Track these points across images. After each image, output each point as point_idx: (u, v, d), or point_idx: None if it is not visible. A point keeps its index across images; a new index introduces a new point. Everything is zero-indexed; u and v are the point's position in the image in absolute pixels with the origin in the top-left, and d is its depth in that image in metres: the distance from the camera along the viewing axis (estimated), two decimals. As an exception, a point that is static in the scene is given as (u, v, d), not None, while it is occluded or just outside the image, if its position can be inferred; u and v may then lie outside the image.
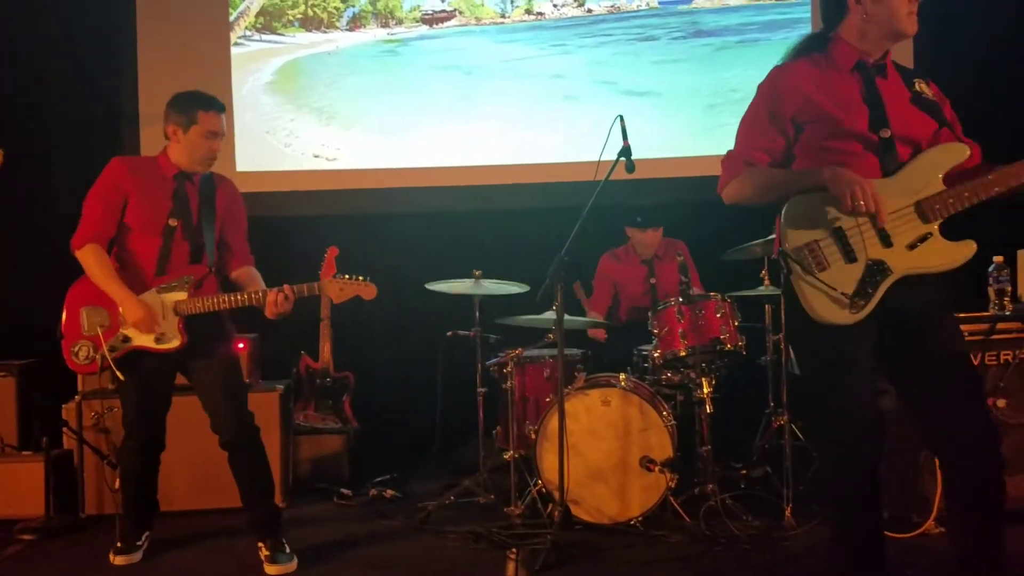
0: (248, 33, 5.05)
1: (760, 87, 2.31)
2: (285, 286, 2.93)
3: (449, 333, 3.97)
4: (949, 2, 4.65)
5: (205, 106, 3.00)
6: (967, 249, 2.14)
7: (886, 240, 2.14)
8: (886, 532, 2.76)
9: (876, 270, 2.13)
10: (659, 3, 5.04)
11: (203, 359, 3.04)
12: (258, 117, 5.00)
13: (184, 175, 3.05)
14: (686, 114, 4.97)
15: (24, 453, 3.91)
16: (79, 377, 3.94)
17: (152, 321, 2.96)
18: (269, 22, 5.07)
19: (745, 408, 4.10)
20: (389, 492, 3.97)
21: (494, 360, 3.93)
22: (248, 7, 5.06)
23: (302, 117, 5.02)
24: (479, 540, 3.30)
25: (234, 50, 5.02)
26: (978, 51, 4.62)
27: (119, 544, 3.18)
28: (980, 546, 2.14)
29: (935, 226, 2.14)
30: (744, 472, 3.87)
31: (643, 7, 5.05)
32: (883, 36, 2.22)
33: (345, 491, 4.00)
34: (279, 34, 5.07)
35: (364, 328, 4.74)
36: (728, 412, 3.72)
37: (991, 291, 3.34)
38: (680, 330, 3.60)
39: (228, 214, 3.14)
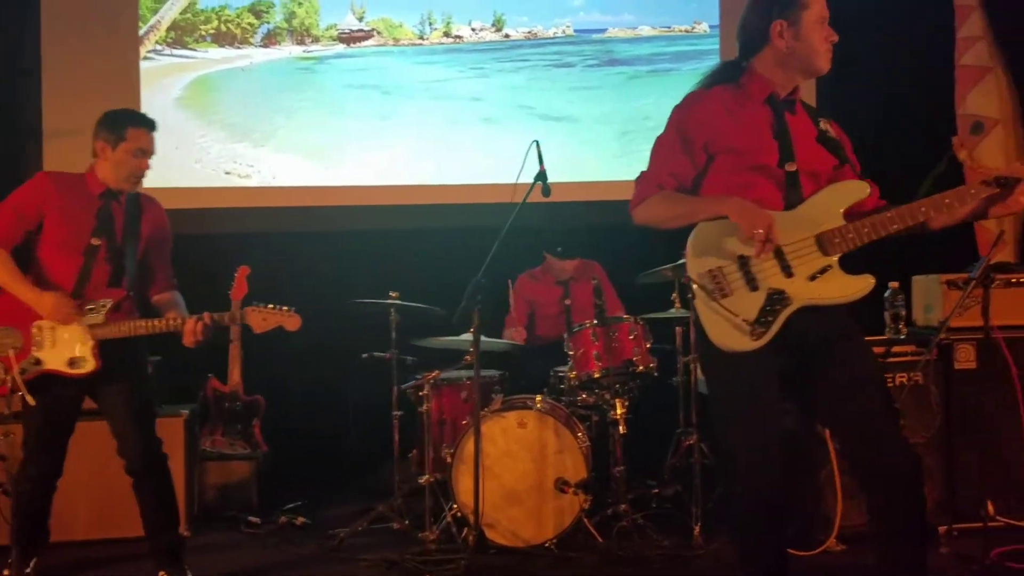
0: (159, 47, 4.92)
1: (673, 112, 2.34)
2: (205, 314, 2.87)
3: (364, 355, 3.92)
4: (849, 46, 4.90)
5: (135, 123, 2.95)
6: (865, 283, 2.21)
7: (787, 270, 2.20)
8: (789, 550, 2.85)
9: (776, 299, 2.19)
10: (575, 31, 5.14)
11: (114, 384, 2.94)
12: (167, 132, 4.83)
13: (111, 193, 2.96)
14: (600, 140, 5.07)
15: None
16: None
17: (70, 313, 2.84)
18: (180, 37, 4.95)
19: (657, 428, 4.18)
20: (300, 519, 3.87)
21: (410, 382, 3.90)
22: (159, 21, 4.93)
23: (213, 133, 4.90)
24: (392, 567, 3.25)
25: (143, 64, 4.87)
26: (876, 95, 4.87)
27: (6, 573, 3.03)
28: (908, 569, 2.19)
29: (834, 259, 2.21)
30: (656, 491, 3.93)
31: (559, 34, 5.14)
32: (799, 71, 2.29)
33: (254, 519, 3.89)
34: (191, 49, 4.95)
35: (276, 350, 4.61)
36: (641, 432, 3.78)
37: (887, 316, 3.50)
38: (595, 352, 3.65)
39: (153, 236, 3.06)
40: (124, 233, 2.97)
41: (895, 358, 3.39)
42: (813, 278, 2.20)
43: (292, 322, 2.92)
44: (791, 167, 2.23)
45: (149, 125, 2.98)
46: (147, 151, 2.96)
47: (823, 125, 2.32)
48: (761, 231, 2.12)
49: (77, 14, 4.78)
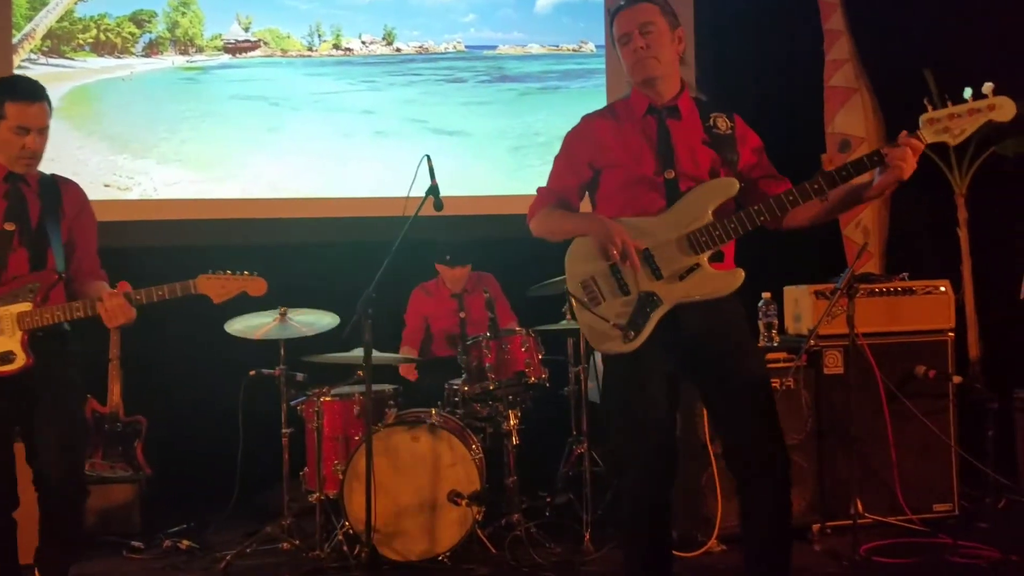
0: (33, 56, 4.69)
1: (569, 131, 2.51)
2: (122, 283, 2.59)
3: (252, 372, 3.83)
4: (725, 61, 5.15)
5: (12, 96, 2.56)
6: (734, 277, 2.31)
7: (656, 273, 2.30)
8: (675, 552, 2.95)
9: (647, 301, 2.29)
10: (466, 47, 5.19)
11: (45, 389, 2.60)
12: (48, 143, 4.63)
13: (15, 176, 2.64)
14: (493, 155, 5.13)
15: None
16: None
17: None
18: (57, 45, 4.73)
19: (550, 437, 4.24)
20: (185, 543, 3.74)
21: (300, 399, 3.83)
22: (34, 29, 4.70)
23: (92, 144, 4.71)
24: (282, 588, 3.19)
25: (17, 73, 4.64)
26: (748, 111, 5.10)
27: None
28: (771, 566, 2.29)
29: (704, 257, 2.29)
30: (549, 500, 3.99)
31: (451, 50, 5.18)
32: (636, 83, 2.41)
33: (136, 543, 3.74)
34: (68, 58, 4.75)
35: (157, 368, 4.47)
36: (534, 442, 3.83)
37: (760, 324, 3.67)
38: (487, 364, 3.69)
39: (76, 220, 2.74)
40: (41, 216, 2.64)
41: (769, 364, 3.55)
42: (682, 277, 2.29)
43: (256, 286, 2.66)
44: (670, 174, 2.33)
45: (30, 95, 2.58)
46: (28, 128, 2.58)
47: (714, 122, 2.40)
48: (614, 249, 2.24)
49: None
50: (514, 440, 3.64)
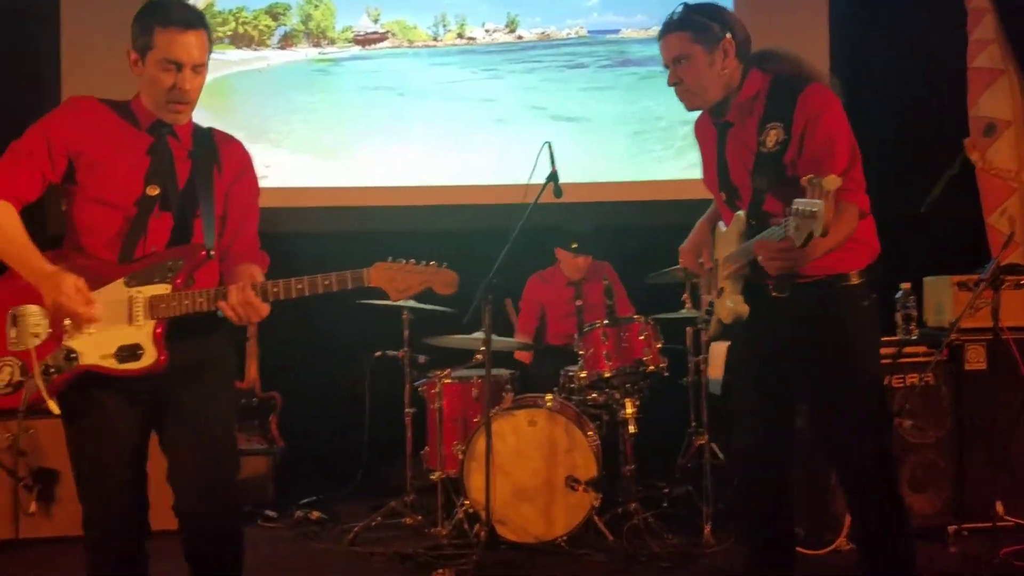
0: (177, 49, 4.98)
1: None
2: (252, 284, 2.00)
3: (377, 353, 3.96)
4: (861, 49, 4.92)
5: (163, 19, 1.99)
6: (731, 311, 2.24)
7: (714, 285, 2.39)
8: (800, 549, 2.88)
9: (710, 307, 2.40)
10: (588, 32, 5.17)
11: (186, 389, 2.05)
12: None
13: (162, 126, 2.09)
14: (612, 140, 5.09)
15: (-70, 476, 3.74)
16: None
17: (81, 298, 1.92)
18: (198, 38, 5.01)
19: (667, 428, 4.20)
20: (315, 513, 3.93)
21: (422, 380, 3.94)
22: (177, 22, 4.99)
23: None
24: (405, 561, 3.30)
25: None
26: (889, 97, 4.87)
27: None
28: (887, 566, 2.23)
29: (727, 281, 2.28)
30: (666, 491, 3.96)
31: (572, 35, 5.17)
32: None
33: (270, 513, 3.95)
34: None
35: (291, 348, 4.69)
36: (651, 432, 3.81)
37: (898, 317, 3.51)
38: (605, 351, 3.68)
39: (235, 187, 2.17)
40: (191, 177, 2.10)
41: (906, 359, 3.39)
42: (719, 295, 2.34)
43: (444, 280, 2.12)
44: (723, 194, 2.34)
45: (185, 21, 2.00)
46: (184, 62, 2.00)
47: (765, 136, 2.20)
48: None
49: (97, 24, 4.82)
50: (631, 429, 3.63)
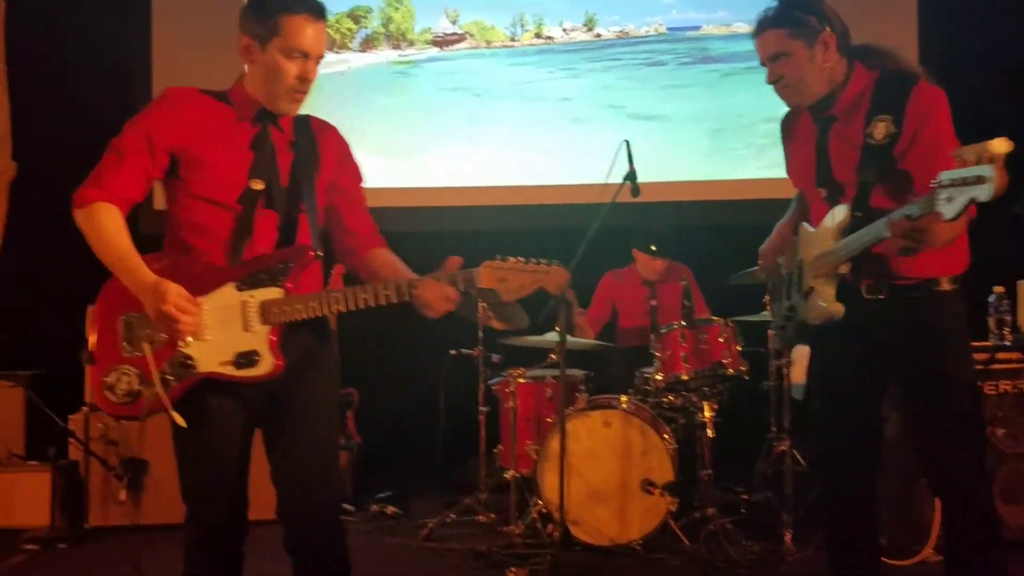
0: (263, 53, 5.13)
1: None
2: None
3: (452, 352, 4.00)
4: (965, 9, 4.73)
5: (289, 7, 1.94)
6: (823, 311, 2.17)
7: (799, 286, 2.29)
8: (885, 559, 2.78)
9: (791, 310, 2.32)
10: (667, 29, 5.11)
11: (296, 393, 1.99)
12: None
13: (267, 115, 2.01)
14: (692, 139, 5.02)
15: (30, 463, 3.95)
16: (86, 389, 3.99)
17: (187, 311, 1.86)
18: (283, 42, 5.15)
19: (746, 432, 4.11)
20: (390, 508, 3.98)
21: (496, 379, 3.96)
22: (262, 28, 5.13)
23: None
24: (479, 559, 3.32)
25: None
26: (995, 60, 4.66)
27: None
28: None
29: (818, 280, 2.19)
30: (745, 496, 3.87)
31: (652, 33, 5.11)
32: None
33: (347, 507, 4.02)
34: (293, 55, 5.15)
35: (368, 344, 4.77)
36: (729, 436, 3.73)
37: (991, 321, 3.36)
38: (683, 353, 3.62)
39: (339, 176, 2.12)
40: (294, 170, 2.02)
41: (999, 364, 3.24)
42: (806, 296, 2.24)
43: (556, 278, 1.98)
44: (823, 191, 2.25)
45: (314, 9, 1.97)
46: (310, 52, 1.96)
47: (873, 128, 2.12)
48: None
49: (184, 22, 5.01)
50: (709, 432, 3.56)
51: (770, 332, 3.88)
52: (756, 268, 3.72)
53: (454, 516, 3.74)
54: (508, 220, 5.00)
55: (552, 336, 3.56)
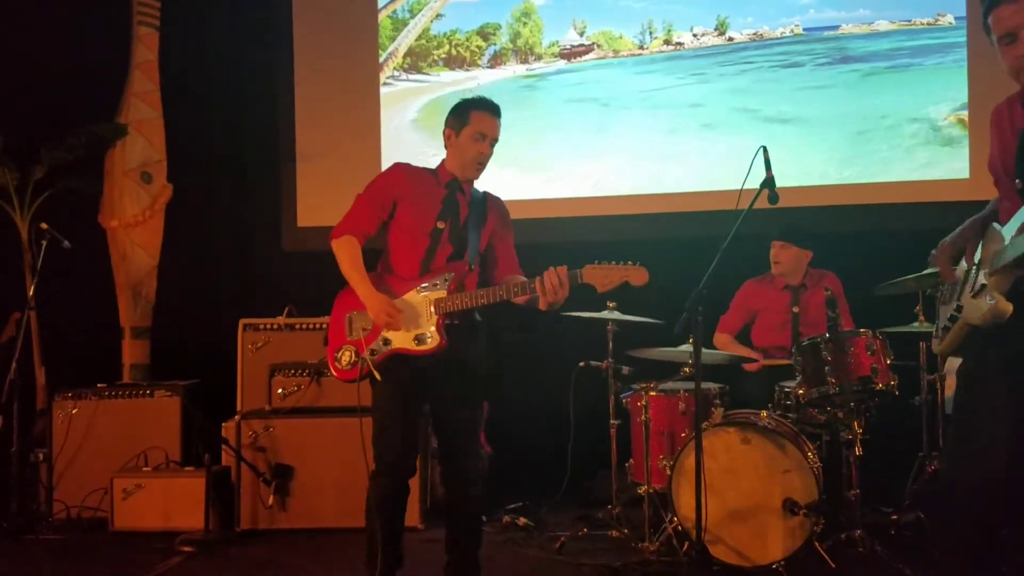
0: (396, 73, 5.30)
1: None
2: (557, 269, 2.69)
3: (581, 363, 3.97)
4: None
5: (477, 106, 2.91)
6: (993, 310, 2.04)
7: (973, 285, 2.14)
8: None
9: (957, 311, 2.17)
10: (803, 30, 4.92)
11: (455, 374, 2.85)
12: (404, 153, 5.17)
13: (456, 183, 2.94)
14: (831, 141, 4.81)
15: (186, 469, 4.17)
16: (239, 397, 4.21)
17: (393, 319, 2.78)
18: (415, 62, 5.30)
19: (895, 450, 3.88)
20: (522, 520, 3.99)
21: (627, 392, 3.90)
22: (396, 48, 5.31)
23: (444, 152, 5.18)
24: (614, 574, 3.26)
25: (383, 90, 5.27)
26: None
27: None
28: None
29: (992, 277, 2.06)
30: (895, 517, 3.65)
31: (787, 34, 4.94)
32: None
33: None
34: (424, 73, 5.29)
35: (498, 357, 4.81)
36: (877, 454, 3.52)
37: None
38: (827, 367, 3.44)
39: (497, 227, 3.03)
40: (467, 220, 2.92)
41: None
42: (976, 295, 2.10)
43: (638, 276, 2.69)
44: (1019, 184, 2.11)
45: (492, 109, 2.92)
46: (487, 135, 2.89)
47: None
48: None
49: (324, 44, 5.27)
50: (857, 451, 3.37)
51: (922, 344, 3.66)
52: (908, 277, 3.55)
53: (587, 530, 3.69)
54: (637, 230, 4.93)
55: (684, 348, 3.47)
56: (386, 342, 2.82)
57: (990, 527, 2.09)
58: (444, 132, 2.95)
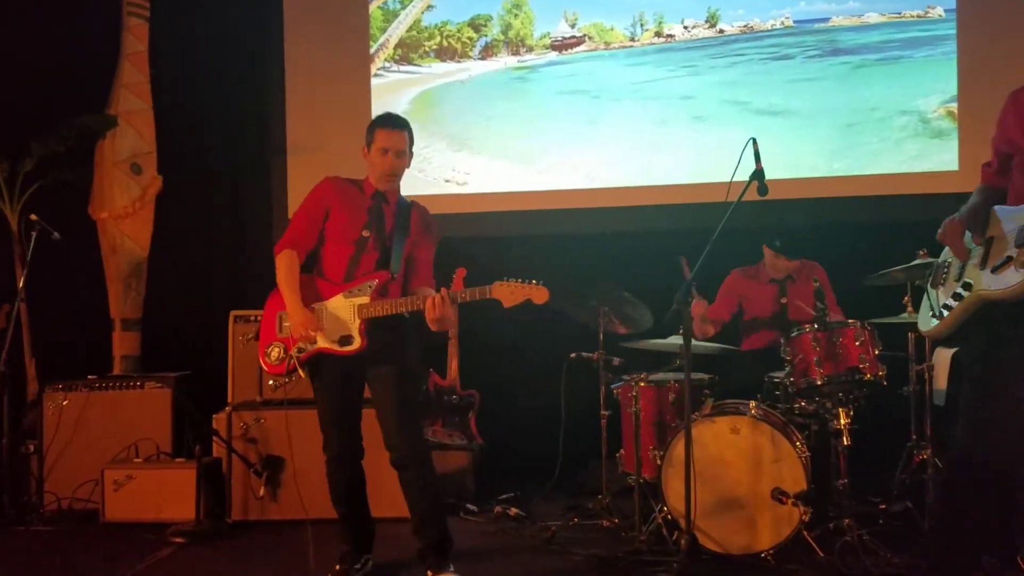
0: (387, 65, 5.29)
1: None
2: (443, 289, 2.96)
3: (572, 355, 3.98)
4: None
5: (379, 123, 3.15)
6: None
7: (984, 262, 2.14)
8: None
9: (963, 287, 2.17)
10: (794, 22, 4.93)
11: (382, 367, 3.07)
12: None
13: (380, 195, 3.16)
14: (821, 134, 4.82)
15: (177, 460, 4.17)
16: (229, 389, 4.21)
17: (309, 327, 3.02)
18: (407, 53, 5.29)
19: (884, 440, 3.90)
20: (513, 510, 4.01)
21: (618, 383, 3.91)
22: (387, 40, 5.30)
23: (434, 144, 5.19)
24: (604, 564, 3.28)
25: (374, 81, 5.26)
26: None
27: (337, 568, 3.18)
28: None
29: (1020, 250, 2.07)
30: (883, 507, 3.68)
31: (778, 26, 4.95)
32: None
33: (471, 507, 4.07)
34: (415, 65, 5.28)
35: (490, 347, 4.83)
36: (865, 444, 3.55)
37: None
38: (815, 357, 3.46)
39: (419, 235, 3.21)
40: (392, 229, 3.14)
41: None
42: (994, 270, 2.09)
43: (540, 294, 2.88)
44: None
45: (392, 124, 3.13)
46: (389, 148, 3.09)
47: None
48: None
49: (315, 35, 5.25)
50: (845, 440, 3.39)
51: (911, 335, 3.68)
52: (896, 268, 3.57)
53: (577, 520, 3.71)
54: (627, 222, 4.95)
55: (674, 340, 3.49)
56: (313, 341, 3.06)
57: (1015, 490, 2.13)
58: (362, 150, 3.17)
